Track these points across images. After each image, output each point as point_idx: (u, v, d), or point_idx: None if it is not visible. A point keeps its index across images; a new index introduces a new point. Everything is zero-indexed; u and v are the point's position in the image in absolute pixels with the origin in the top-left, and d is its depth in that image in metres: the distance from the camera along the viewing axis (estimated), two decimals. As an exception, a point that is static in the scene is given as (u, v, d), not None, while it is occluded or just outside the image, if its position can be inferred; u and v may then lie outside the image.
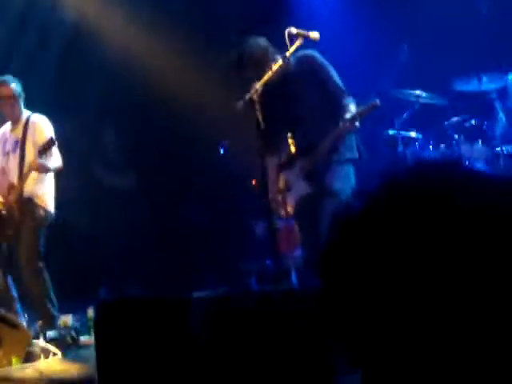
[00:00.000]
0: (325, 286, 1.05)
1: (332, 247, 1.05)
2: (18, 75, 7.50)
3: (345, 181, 5.80)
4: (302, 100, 5.85)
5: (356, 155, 5.89)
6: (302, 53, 5.88)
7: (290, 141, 5.98)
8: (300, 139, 5.94)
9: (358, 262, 1.00)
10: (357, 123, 5.53)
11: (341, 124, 5.56)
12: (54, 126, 7.33)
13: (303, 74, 5.84)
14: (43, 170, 7.07)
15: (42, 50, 9.87)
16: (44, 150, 6.91)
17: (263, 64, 5.71)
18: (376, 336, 0.99)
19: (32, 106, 7.42)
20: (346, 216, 1.06)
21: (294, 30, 5.67)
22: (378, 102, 5.49)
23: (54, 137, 7.13)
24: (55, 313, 7.14)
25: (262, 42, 5.94)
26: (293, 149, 5.95)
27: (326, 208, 5.63)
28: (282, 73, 5.72)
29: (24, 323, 6.56)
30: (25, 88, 7.40)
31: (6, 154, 7.32)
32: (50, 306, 7.13)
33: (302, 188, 5.87)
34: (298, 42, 5.65)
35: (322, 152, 5.74)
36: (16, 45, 9.58)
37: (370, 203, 1.05)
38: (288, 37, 5.67)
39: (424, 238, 0.97)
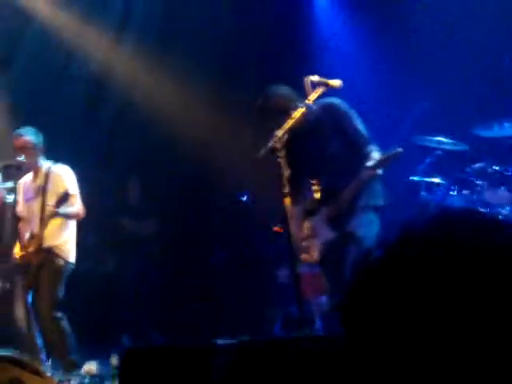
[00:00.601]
0: (347, 332, 1.06)
1: (353, 295, 1.06)
2: (46, 127, 7.60)
3: (369, 227, 5.78)
4: (325, 147, 5.86)
5: (380, 202, 5.89)
6: (325, 100, 5.90)
7: (314, 187, 5.99)
8: (323, 186, 5.95)
9: (378, 309, 1.01)
10: (379, 170, 5.53)
11: (363, 171, 5.57)
12: (78, 177, 7.41)
13: (326, 121, 5.86)
14: (59, 215, 7.11)
15: (68, 105, 10.00)
16: (62, 199, 6.97)
17: (286, 112, 5.72)
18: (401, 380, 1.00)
19: (59, 158, 7.51)
20: (367, 265, 1.07)
21: (315, 78, 5.71)
22: (400, 150, 5.48)
23: (75, 186, 7.21)
24: (77, 361, 7.13)
25: (286, 90, 5.96)
26: (317, 195, 5.96)
27: (350, 254, 5.63)
28: (305, 120, 5.74)
29: (48, 371, 6.55)
30: (52, 140, 7.50)
31: (28, 202, 7.38)
32: (71, 353, 7.13)
33: (326, 234, 5.87)
34: (319, 90, 5.69)
35: (345, 199, 5.75)
36: (46, 97, 9.71)
37: (390, 252, 1.06)
38: (309, 84, 5.71)
39: (446, 287, 0.98)
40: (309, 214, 6.01)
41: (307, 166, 6.00)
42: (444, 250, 1.00)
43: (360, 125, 5.87)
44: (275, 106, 5.85)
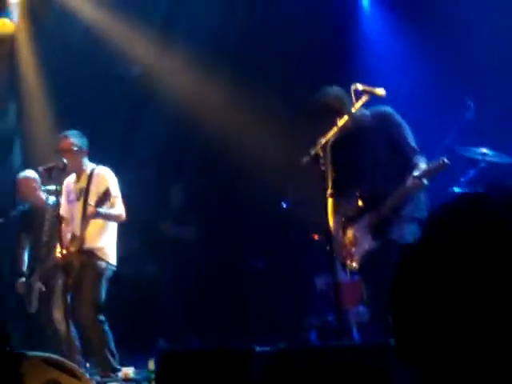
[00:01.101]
0: (396, 318, 1.05)
1: (399, 278, 1.05)
2: (90, 130, 7.69)
3: (411, 239, 5.73)
4: (373, 155, 5.84)
5: (424, 215, 5.82)
6: (378, 109, 5.88)
7: (358, 195, 5.96)
8: (368, 194, 5.91)
9: (425, 289, 1.00)
10: (425, 181, 5.49)
11: (409, 181, 5.53)
12: (121, 180, 7.46)
13: (378, 129, 5.83)
14: (100, 215, 7.15)
15: (112, 107, 10.08)
16: (104, 198, 7.02)
17: (338, 113, 5.71)
18: (449, 363, 0.98)
19: (102, 161, 7.57)
20: (409, 249, 1.07)
21: (360, 86, 5.70)
22: (447, 160, 5.43)
23: (116, 188, 7.26)
24: (116, 365, 7.15)
25: (339, 91, 5.93)
26: (359, 203, 5.93)
27: (391, 263, 5.58)
28: (356, 126, 5.73)
29: (86, 374, 6.58)
30: (96, 143, 7.58)
31: (70, 203, 7.44)
32: (110, 357, 7.15)
33: (367, 242, 5.83)
34: (363, 98, 5.67)
35: (389, 207, 5.71)
36: (88, 101, 9.80)
37: (430, 232, 1.05)
38: (354, 93, 5.69)
39: (487, 261, 0.96)
40: (351, 221, 5.98)
41: (353, 173, 5.98)
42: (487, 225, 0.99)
43: (410, 136, 5.84)
44: (328, 106, 5.84)
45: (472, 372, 0.98)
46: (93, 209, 7.06)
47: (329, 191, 5.56)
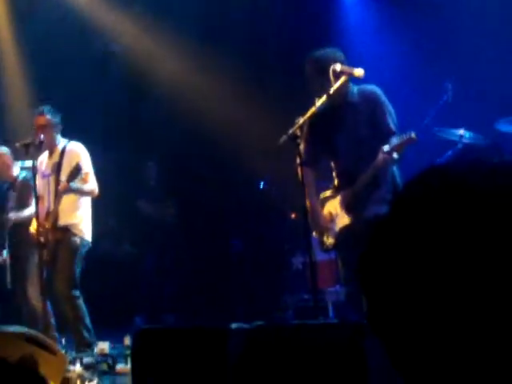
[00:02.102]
0: (366, 288, 1.05)
1: (369, 248, 1.05)
2: (66, 107, 7.65)
3: None
4: (352, 132, 5.85)
5: None
6: (366, 87, 5.89)
7: (334, 173, 5.99)
8: (342, 170, 5.93)
9: (393, 263, 1.00)
10: (395, 155, 5.51)
11: (379, 155, 5.55)
12: (96, 157, 7.45)
13: (361, 106, 5.84)
14: (71, 191, 7.15)
15: (91, 83, 10.03)
16: (75, 173, 7.02)
17: (323, 74, 5.72)
18: (419, 336, 0.99)
19: (77, 138, 7.54)
20: (378, 225, 1.07)
21: (338, 67, 5.70)
22: (414, 135, 5.46)
23: (88, 164, 7.26)
24: (91, 339, 7.17)
25: (339, 54, 5.93)
26: (335, 181, 5.96)
27: (364, 239, 5.58)
28: (341, 101, 5.74)
29: (61, 350, 6.59)
30: (71, 120, 7.56)
31: (44, 179, 7.43)
32: (85, 332, 7.17)
33: (342, 220, 5.86)
34: (342, 79, 5.68)
35: (360, 184, 5.73)
36: (67, 76, 9.75)
37: (398, 206, 1.05)
38: (332, 73, 5.70)
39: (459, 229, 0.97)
40: (327, 199, 6.00)
41: (329, 151, 5.99)
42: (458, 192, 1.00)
43: (393, 118, 5.85)
44: (312, 69, 5.85)
45: (437, 348, 0.98)
46: (64, 184, 7.06)
47: (298, 161, 5.55)
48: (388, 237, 1.04)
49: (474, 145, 7.81)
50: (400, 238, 1.01)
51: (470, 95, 8.08)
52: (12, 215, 7.83)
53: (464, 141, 7.72)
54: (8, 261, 7.83)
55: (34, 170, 7.11)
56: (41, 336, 5.94)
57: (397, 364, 1.03)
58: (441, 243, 0.97)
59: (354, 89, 5.86)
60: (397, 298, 1.00)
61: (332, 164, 6.02)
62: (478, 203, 0.97)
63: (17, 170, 7.99)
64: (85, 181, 7.22)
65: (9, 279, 7.81)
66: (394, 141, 5.54)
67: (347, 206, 5.82)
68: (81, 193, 7.27)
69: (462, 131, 7.70)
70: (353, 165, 5.81)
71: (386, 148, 5.49)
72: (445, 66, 8.35)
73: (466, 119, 7.76)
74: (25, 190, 7.71)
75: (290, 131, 5.49)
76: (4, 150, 7.98)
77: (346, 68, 5.71)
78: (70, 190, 7.13)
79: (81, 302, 7.20)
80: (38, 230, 7.12)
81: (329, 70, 5.68)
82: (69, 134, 7.54)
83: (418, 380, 1.01)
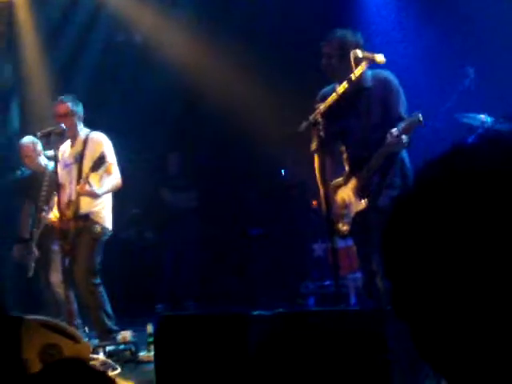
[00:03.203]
0: (390, 269, 1.03)
1: (391, 228, 1.03)
2: (87, 96, 7.68)
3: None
4: (365, 118, 5.82)
5: (408, 182, 5.78)
6: (379, 72, 5.85)
7: (345, 158, 5.96)
8: (355, 157, 5.91)
9: (417, 244, 0.98)
10: (404, 137, 5.48)
11: (388, 138, 5.52)
12: (119, 147, 7.45)
13: (375, 91, 5.81)
14: (95, 195, 7.17)
15: (112, 73, 10.06)
16: (98, 163, 7.02)
17: (343, 55, 5.70)
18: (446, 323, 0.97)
19: (99, 128, 7.56)
20: (403, 197, 1.05)
21: (359, 53, 5.66)
22: (421, 117, 5.43)
23: (112, 154, 7.26)
24: (113, 327, 7.20)
25: (360, 37, 5.91)
26: (347, 167, 5.94)
27: (377, 226, 5.55)
28: (355, 86, 5.71)
29: (84, 337, 6.63)
30: (94, 110, 7.57)
31: (66, 169, 7.44)
32: (107, 320, 7.19)
33: (355, 205, 5.83)
34: (363, 65, 5.64)
35: (371, 168, 5.69)
36: (87, 66, 9.79)
37: (424, 181, 1.04)
38: (353, 59, 5.67)
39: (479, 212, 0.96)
40: (339, 185, 5.98)
41: (342, 133, 5.96)
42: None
43: (403, 104, 5.81)
44: (332, 51, 5.82)
45: (466, 332, 0.96)
46: (84, 186, 7.05)
47: (313, 147, 5.53)
48: (411, 216, 1.01)
49: (497, 129, 7.74)
50: (423, 219, 0.99)
51: (492, 80, 8.01)
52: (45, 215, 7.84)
53: (486, 126, 7.67)
54: (34, 248, 7.89)
55: (55, 158, 7.14)
56: (64, 324, 6.00)
57: (422, 350, 1.01)
58: (464, 225, 0.96)
59: (369, 73, 5.82)
60: (422, 280, 0.98)
61: (343, 149, 5.99)
62: (501, 186, 0.96)
63: (44, 160, 8.00)
64: (108, 171, 7.21)
65: (31, 268, 7.86)
66: (402, 124, 5.51)
67: (360, 192, 5.79)
68: (106, 192, 7.27)
69: (483, 116, 7.65)
70: (364, 150, 5.77)
71: (394, 131, 5.46)
72: (466, 51, 8.29)
73: (488, 104, 7.71)
74: (53, 181, 7.73)
75: (311, 117, 5.48)
76: (26, 141, 8.00)
77: (368, 54, 5.68)
78: (93, 194, 7.13)
79: (101, 289, 7.22)
80: (59, 219, 7.15)
81: (349, 54, 5.65)
82: (91, 124, 7.55)
83: (446, 367, 0.99)
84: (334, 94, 5.60)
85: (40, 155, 7.97)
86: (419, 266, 0.99)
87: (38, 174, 7.99)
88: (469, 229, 0.95)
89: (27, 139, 8.00)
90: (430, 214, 0.99)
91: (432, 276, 0.97)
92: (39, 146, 7.93)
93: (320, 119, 5.47)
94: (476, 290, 0.94)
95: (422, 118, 5.40)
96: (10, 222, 8.35)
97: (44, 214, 7.78)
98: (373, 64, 5.72)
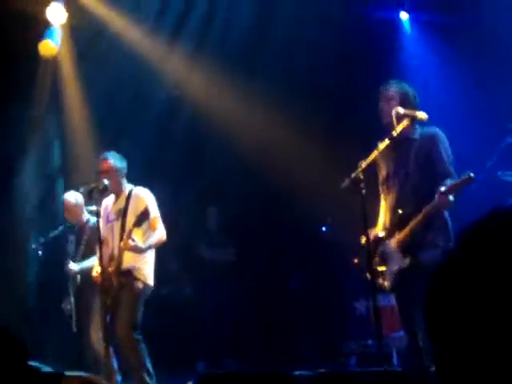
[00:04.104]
0: (434, 333, 1.02)
1: (435, 293, 1.02)
2: (124, 150, 7.76)
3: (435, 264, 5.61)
4: (409, 170, 5.81)
5: (448, 245, 5.71)
6: (428, 129, 5.87)
7: (383, 208, 5.93)
8: (395, 208, 5.86)
9: (462, 308, 0.97)
10: (451, 197, 5.43)
11: (436, 196, 5.48)
12: (158, 202, 7.49)
13: (422, 147, 5.81)
14: (143, 250, 7.19)
15: (143, 127, 10.17)
16: (141, 218, 7.05)
17: (402, 104, 5.75)
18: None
19: (137, 181, 7.62)
20: (444, 263, 1.04)
21: (401, 110, 5.69)
22: (472, 174, 5.38)
23: (155, 208, 7.29)
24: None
25: (408, 89, 5.96)
26: (387, 218, 5.89)
27: (421, 286, 5.47)
28: (401, 142, 5.73)
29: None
30: (136, 165, 7.66)
31: (109, 224, 7.49)
32: (147, 377, 7.14)
33: (397, 261, 5.77)
34: (405, 122, 5.66)
35: (415, 223, 5.64)
36: (129, 123, 9.91)
37: (464, 247, 1.03)
38: (395, 116, 5.68)
39: None
40: (381, 239, 5.93)
41: (386, 189, 5.95)
42: None
43: (450, 160, 5.79)
44: (400, 94, 5.86)
45: None
46: (128, 242, 7.08)
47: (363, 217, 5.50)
48: (453, 282, 1.01)
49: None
50: (466, 283, 0.99)
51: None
52: (73, 266, 7.90)
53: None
54: (73, 305, 7.91)
55: (97, 214, 7.20)
56: (102, 381, 5.98)
57: None
58: (507, 289, 0.94)
59: (418, 130, 5.84)
60: (465, 344, 0.97)
61: (382, 199, 5.97)
62: None
63: (86, 215, 8.10)
64: (153, 226, 7.24)
65: (74, 323, 7.89)
66: (450, 181, 5.48)
67: (405, 248, 5.74)
68: (150, 248, 7.28)
69: (526, 174, 7.59)
70: (408, 205, 5.74)
71: (442, 189, 5.42)
72: (507, 106, 8.26)
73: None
74: (93, 236, 7.77)
75: (353, 175, 5.47)
76: (69, 196, 8.10)
77: (409, 112, 5.70)
78: (137, 249, 7.16)
79: (142, 346, 7.18)
80: (101, 275, 7.17)
81: (405, 103, 5.70)
82: (131, 179, 7.62)
83: None
84: (375, 151, 5.61)
85: (82, 211, 8.07)
86: (463, 330, 0.97)
87: (80, 228, 8.09)
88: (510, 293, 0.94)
89: (70, 194, 8.11)
90: (470, 280, 0.98)
91: (475, 340, 0.95)
92: (82, 201, 8.02)
93: (361, 176, 5.47)
94: None
95: (473, 175, 5.36)
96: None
97: (68, 267, 7.85)
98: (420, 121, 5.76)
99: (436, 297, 1.03)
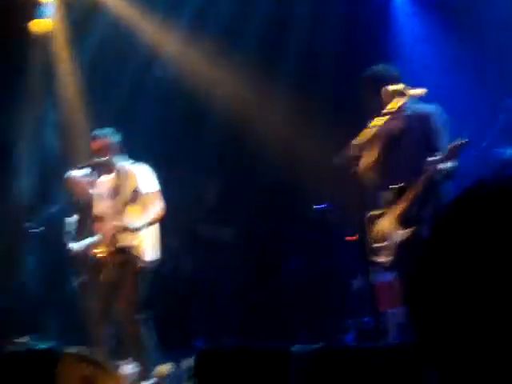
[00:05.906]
0: (414, 311, 1.01)
1: (414, 273, 1.02)
2: (125, 128, 7.72)
3: None
4: (404, 153, 5.82)
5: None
6: (424, 108, 5.87)
7: (381, 187, 5.95)
8: (396, 186, 5.88)
9: (442, 284, 0.97)
10: (449, 164, 5.45)
11: (427, 166, 5.50)
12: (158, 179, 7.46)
13: (417, 130, 5.82)
14: (137, 230, 7.17)
15: (146, 106, 10.14)
16: (135, 196, 7.05)
17: (376, 92, 5.74)
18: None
19: (137, 159, 7.59)
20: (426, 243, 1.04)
21: (394, 87, 5.70)
22: (466, 139, 5.40)
23: (153, 184, 7.25)
24: (150, 363, 7.15)
25: (393, 72, 5.95)
26: (385, 197, 5.91)
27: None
28: (394, 122, 5.73)
29: (121, 372, 6.61)
30: (130, 142, 7.63)
31: (103, 202, 7.44)
32: (146, 355, 7.16)
33: (397, 236, 5.79)
34: (399, 100, 5.67)
35: (413, 194, 5.66)
36: (123, 99, 9.88)
37: (455, 210, 1.02)
38: (389, 94, 5.70)
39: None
40: (378, 216, 5.95)
41: (383, 170, 5.96)
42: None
43: (445, 140, 5.79)
44: (366, 89, 5.87)
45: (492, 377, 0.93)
46: (118, 222, 7.07)
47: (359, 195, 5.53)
48: (435, 257, 1.00)
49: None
50: (448, 258, 0.98)
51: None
52: (74, 246, 7.90)
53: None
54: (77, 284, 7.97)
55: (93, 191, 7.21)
56: (101, 358, 6.01)
57: None
58: (493, 264, 0.94)
59: (410, 108, 5.82)
60: (449, 324, 0.96)
61: (377, 179, 5.98)
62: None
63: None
64: (151, 202, 7.20)
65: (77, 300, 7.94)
66: (441, 154, 5.49)
67: (404, 221, 5.75)
68: (143, 226, 7.25)
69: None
70: (400, 177, 5.76)
71: (430, 159, 5.44)
72: (505, 82, 8.25)
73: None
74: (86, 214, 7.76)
75: (345, 152, 5.50)
76: (78, 174, 8.05)
77: (399, 89, 5.71)
78: (128, 230, 7.14)
79: (144, 325, 7.16)
80: (99, 252, 7.17)
81: (381, 90, 5.69)
82: (127, 155, 7.58)
83: None
84: (366, 130, 5.62)
85: (91, 185, 7.95)
86: (446, 308, 0.97)
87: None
88: (497, 270, 0.93)
89: (78, 173, 8.02)
90: (454, 251, 0.97)
91: (460, 320, 0.95)
92: (89, 176, 7.96)
93: (353, 154, 5.49)
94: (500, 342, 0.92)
95: (467, 140, 5.37)
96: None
97: (70, 245, 7.87)
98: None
99: (419, 272, 1.02)
